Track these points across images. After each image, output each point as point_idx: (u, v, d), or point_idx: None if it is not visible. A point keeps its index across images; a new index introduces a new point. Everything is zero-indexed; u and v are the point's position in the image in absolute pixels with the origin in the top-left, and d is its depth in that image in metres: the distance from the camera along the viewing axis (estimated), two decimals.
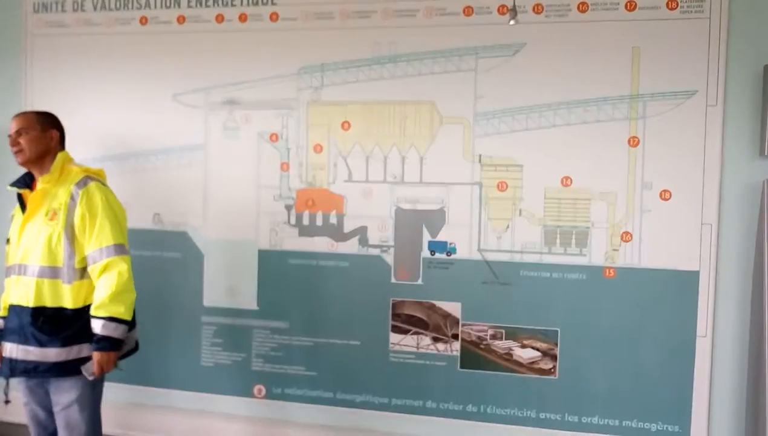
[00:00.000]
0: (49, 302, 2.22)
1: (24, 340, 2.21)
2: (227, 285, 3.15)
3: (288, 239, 3.06)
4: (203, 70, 3.12)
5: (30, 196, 2.29)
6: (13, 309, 2.25)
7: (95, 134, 3.26)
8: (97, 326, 2.18)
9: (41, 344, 2.20)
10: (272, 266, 3.09)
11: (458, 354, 2.95)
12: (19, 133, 2.29)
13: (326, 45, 2.99)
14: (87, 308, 2.24)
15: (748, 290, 2.69)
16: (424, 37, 2.90)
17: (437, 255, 2.94)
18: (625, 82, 2.73)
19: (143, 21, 3.19)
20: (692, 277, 2.72)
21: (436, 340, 2.97)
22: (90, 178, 2.32)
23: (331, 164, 3.03)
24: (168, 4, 3.16)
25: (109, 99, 3.22)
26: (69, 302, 2.24)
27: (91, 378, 2.21)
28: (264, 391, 3.16)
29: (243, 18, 3.08)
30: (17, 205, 2.40)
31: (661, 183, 2.72)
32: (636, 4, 2.72)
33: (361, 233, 3.00)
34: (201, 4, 3.12)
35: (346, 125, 3.00)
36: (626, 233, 2.77)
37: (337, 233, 3.03)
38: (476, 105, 2.87)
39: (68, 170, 2.33)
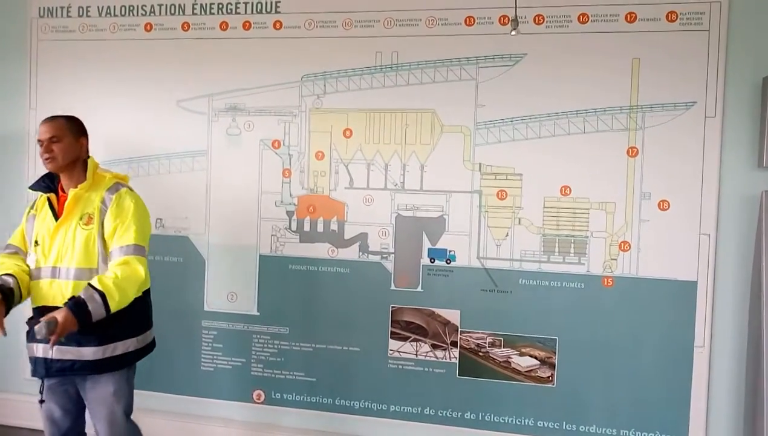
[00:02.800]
0: None
1: (60, 340, 2.16)
2: (228, 290, 3.17)
3: (289, 245, 3.08)
4: (207, 76, 3.15)
5: (67, 201, 2.30)
6: (47, 310, 2.17)
7: (99, 139, 3.25)
8: (84, 291, 2.14)
9: (78, 343, 2.23)
10: (273, 271, 3.10)
11: (457, 361, 2.96)
12: (52, 140, 2.30)
13: (329, 53, 3.02)
14: (135, 304, 2.29)
15: (746, 300, 2.70)
16: (425, 46, 2.92)
17: (437, 262, 2.96)
18: (624, 92, 2.75)
19: (148, 27, 3.22)
20: (690, 287, 2.73)
21: (435, 347, 2.98)
22: (120, 184, 2.40)
23: (333, 171, 3.05)
24: (173, 11, 3.19)
25: (113, 104, 3.25)
26: None
27: (38, 337, 2.07)
28: (263, 396, 3.17)
29: (247, 26, 3.11)
30: (32, 208, 2.40)
31: (660, 193, 2.74)
32: (636, 16, 2.74)
33: (362, 239, 3.02)
34: (205, 12, 3.15)
35: (347, 133, 3.03)
36: (625, 242, 2.78)
37: (338, 240, 3.05)
38: (477, 114, 2.89)
39: (100, 176, 2.39)
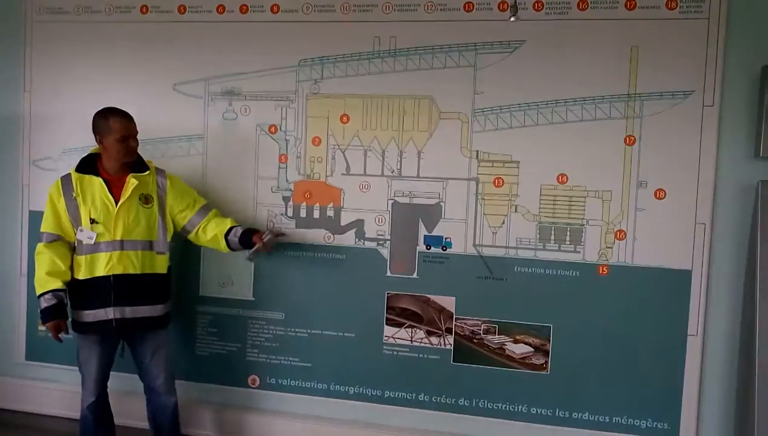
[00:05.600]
0: (149, 269, 2.73)
1: (133, 301, 2.69)
2: (223, 275, 3.17)
3: (285, 231, 3.07)
4: (203, 60, 3.12)
5: (126, 185, 2.67)
6: (115, 278, 2.66)
7: None
8: (240, 230, 2.86)
9: (149, 302, 2.74)
10: (268, 257, 3.10)
11: (452, 348, 2.97)
12: (133, 135, 2.71)
13: (327, 38, 3.00)
14: (170, 272, 2.86)
15: (740, 290, 2.71)
16: (424, 32, 2.91)
17: (433, 249, 2.96)
18: (622, 80, 2.74)
19: (144, 10, 3.19)
20: (685, 276, 2.74)
21: (430, 333, 2.99)
22: (157, 168, 2.86)
23: (330, 157, 3.04)
24: None
25: (108, 87, 3.22)
26: (162, 268, 2.80)
27: (264, 250, 2.83)
28: (258, 381, 3.18)
29: (244, 9, 3.08)
30: (77, 190, 2.66)
31: (656, 182, 2.74)
32: (636, 3, 2.73)
33: (358, 226, 3.02)
34: None
35: (345, 118, 3.01)
36: (620, 230, 2.79)
37: (334, 226, 3.04)
38: (475, 101, 2.88)
39: (146, 163, 2.81)
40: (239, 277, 3.15)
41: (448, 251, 2.94)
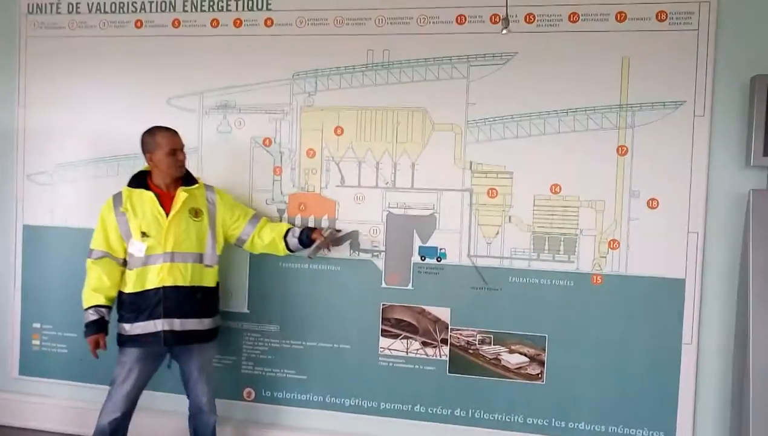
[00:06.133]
0: (198, 282, 2.74)
1: (182, 314, 2.69)
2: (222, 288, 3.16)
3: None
4: (198, 74, 3.14)
5: (176, 198, 2.71)
6: (165, 290, 2.67)
7: (89, 136, 3.27)
8: (298, 230, 2.89)
9: (197, 315, 2.74)
10: (263, 269, 3.10)
11: (447, 359, 2.97)
12: (180, 148, 2.75)
13: (320, 51, 3.01)
14: (218, 286, 2.86)
15: (733, 298, 2.72)
16: (417, 44, 2.93)
17: (427, 260, 2.97)
18: (614, 91, 2.77)
19: (138, 24, 3.21)
20: (678, 284, 2.75)
21: (425, 344, 2.99)
22: (206, 184, 2.89)
23: (324, 169, 3.05)
24: (163, 8, 3.18)
25: (103, 101, 3.24)
26: (211, 281, 2.80)
27: (326, 252, 2.92)
28: (253, 394, 3.17)
29: (238, 23, 3.11)
30: (126, 205, 2.68)
31: (649, 192, 2.76)
32: (626, 15, 2.76)
33: (353, 237, 3.02)
34: (196, 9, 3.14)
35: (339, 130, 3.03)
36: (614, 240, 2.80)
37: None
38: (468, 112, 2.90)
39: (195, 178, 2.85)
40: (235, 289, 3.15)
41: (443, 261, 2.95)
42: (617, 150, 2.79)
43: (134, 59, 3.21)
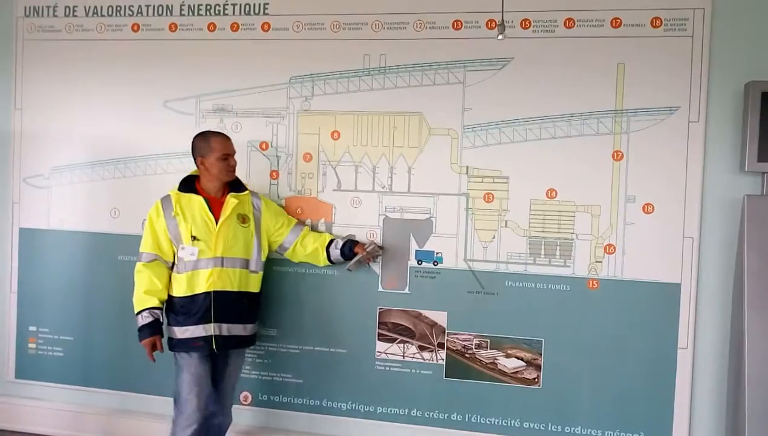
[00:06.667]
0: (244, 288, 2.77)
1: (229, 319, 2.72)
2: None
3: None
4: (194, 77, 3.14)
5: (226, 204, 2.73)
6: (214, 295, 2.68)
7: (85, 139, 3.27)
8: (340, 241, 2.91)
9: (243, 321, 2.78)
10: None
11: (444, 363, 2.97)
12: (233, 153, 2.78)
13: (317, 55, 3.02)
14: (261, 292, 2.88)
15: (729, 302, 2.74)
16: (413, 49, 2.94)
17: (424, 264, 2.97)
18: (609, 97, 2.78)
19: (135, 28, 3.21)
20: (674, 289, 2.76)
21: (422, 349, 2.99)
22: (252, 191, 2.89)
23: (321, 173, 3.06)
24: (160, 12, 3.18)
25: (99, 104, 3.24)
26: (256, 287, 2.84)
27: (366, 260, 2.90)
28: (250, 398, 3.17)
29: (235, 27, 3.11)
30: (177, 209, 2.69)
31: (644, 197, 2.78)
32: (621, 22, 2.77)
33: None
34: (193, 13, 3.14)
35: (335, 135, 3.04)
36: (610, 245, 2.81)
37: None
38: (464, 117, 2.91)
39: (244, 184, 2.87)
40: None
41: (440, 265, 2.96)
42: (613, 155, 2.80)
43: (131, 63, 3.21)
